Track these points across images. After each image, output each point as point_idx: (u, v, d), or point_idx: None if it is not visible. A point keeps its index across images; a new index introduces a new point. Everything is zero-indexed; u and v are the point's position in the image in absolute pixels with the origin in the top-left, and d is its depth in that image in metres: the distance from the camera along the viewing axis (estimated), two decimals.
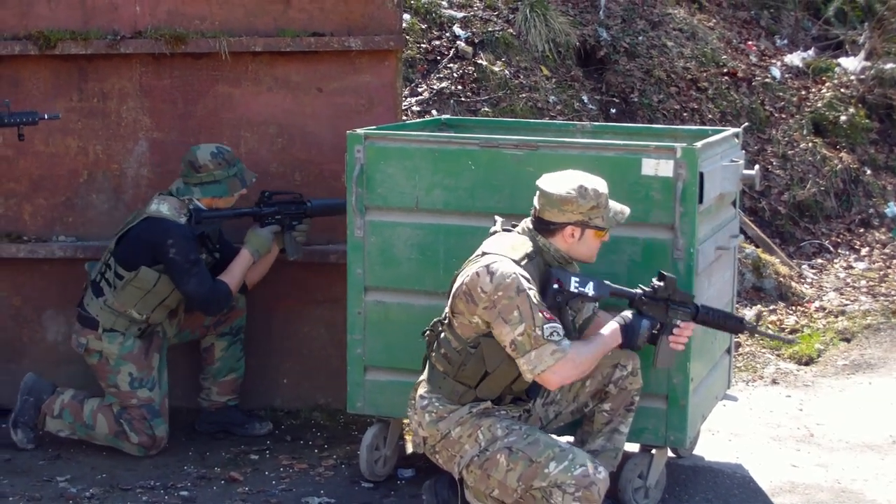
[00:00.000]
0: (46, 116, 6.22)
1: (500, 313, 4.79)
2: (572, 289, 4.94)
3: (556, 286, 4.90)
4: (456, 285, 4.96)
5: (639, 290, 5.12)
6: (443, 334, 5.05)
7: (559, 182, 4.96)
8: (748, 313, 9.12)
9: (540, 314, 4.80)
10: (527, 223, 5.05)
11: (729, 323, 5.36)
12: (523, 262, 4.87)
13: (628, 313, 5.11)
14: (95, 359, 6.25)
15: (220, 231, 6.42)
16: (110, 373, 6.23)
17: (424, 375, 5.14)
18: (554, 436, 5.10)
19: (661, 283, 5.09)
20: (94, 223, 6.80)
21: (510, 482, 4.88)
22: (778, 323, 9.02)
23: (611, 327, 5.08)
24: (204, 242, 6.28)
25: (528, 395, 5.14)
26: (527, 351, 4.81)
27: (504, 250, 4.91)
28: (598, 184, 4.98)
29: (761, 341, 8.52)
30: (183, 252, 6.08)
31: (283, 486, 5.91)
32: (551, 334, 4.81)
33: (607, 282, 5.06)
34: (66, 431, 6.31)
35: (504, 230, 5.07)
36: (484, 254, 4.95)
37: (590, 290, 4.98)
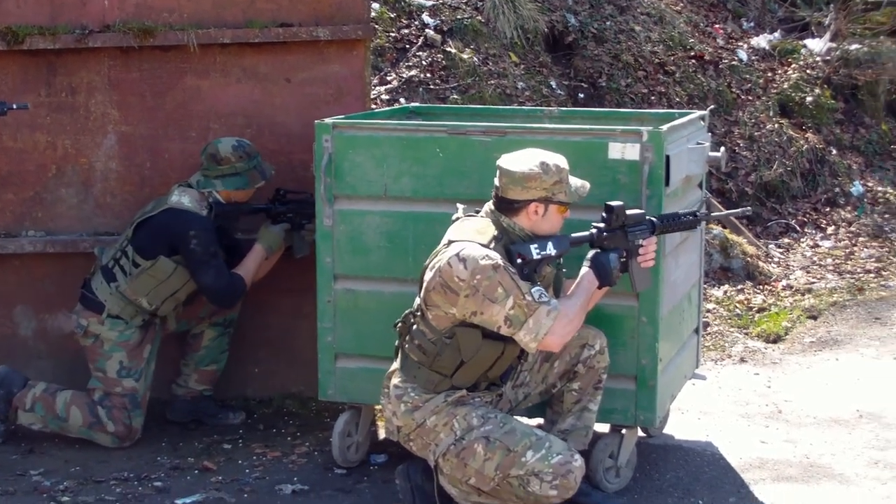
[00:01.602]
0: (15, 106, 6.24)
1: (484, 296, 4.80)
2: (535, 256, 4.93)
3: (519, 261, 4.90)
4: (428, 278, 4.95)
5: (594, 230, 5.13)
6: (415, 326, 5.06)
7: (520, 160, 4.97)
8: (716, 293, 9.20)
9: (522, 282, 4.83)
10: (489, 205, 5.07)
11: (685, 222, 5.35)
12: (491, 245, 4.89)
13: (591, 253, 5.12)
14: (90, 341, 6.27)
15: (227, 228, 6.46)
16: (102, 357, 6.25)
17: (397, 364, 5.16)
18: (525, 419, 5.15)
19: (612, 214, 5.10)
20: (64, 217, 6.81)
21: (487, 471, 4.92)
22: (746, 302, 9.10)
23: (583, 273, 5.08)
24: (220, 237, 6.31)
25: (502, 379, 5.18)
26: (523, 321, 4.83)
27: (470, 235, 4.93)
28: (559, 159, 5.00)
29: (729, 320, 8.62)
30: (204, 244, 6.11)
31: (257, 474, 5.95)
32: (540, 296, 4.84)
33: (563, 235, 5.07)
34: (38, 425, 6.32)
35: (467, 216, 5.10)
36: (450, 242, 4.96)
37: (551, 249, 4.97)
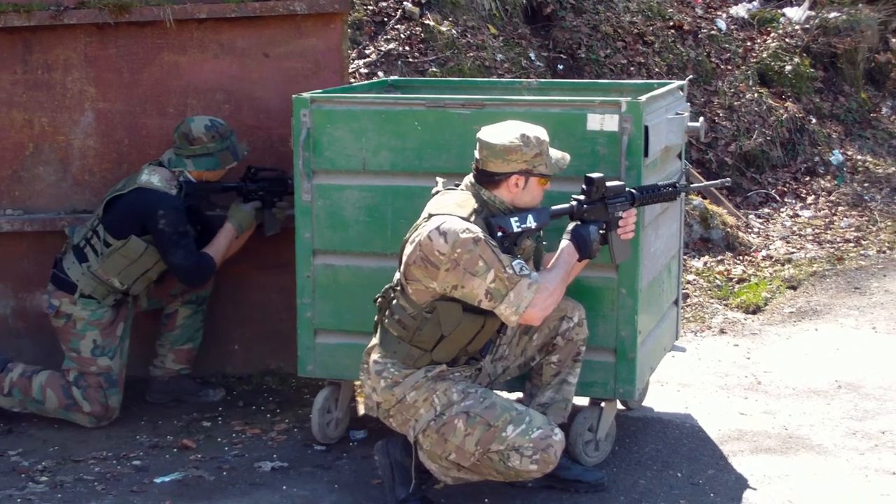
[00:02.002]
0: None
1: (465, 269, 4.79)
2: (515, 229, 4.92)
3: (499, 234, 4.89)
4: (407, 252, 4.93)
5: (574, 202, 5.12)
6: (395, 301, 5.05)
7: (501, 132, 4.96)
8: (696, 264, 9.21)
9: (504, 255, 4.83)
10: (469, 178, 5.06)
11: (665, 193, 5.36)
12: (472, 219, 4.87)
13: (571, 225, 5.12)
14: (62, 321, 6.26)
15: (200, 207, 6.45)
16: (75, 337, 6.24)
17: (377, 340, 5.15)
18: (505, 394, 5.14)
19: (592, 186, 5.10)
20: (42, 196, 6.80)
21: (468, 446, 4.92)
22: (725, 273, 9.12)
23: (563, 246, 5.08)
24: (191, 215, 6.30)
25: (481, 353, 5.18)
26: (504, 295, 4.82)
27: (450, 209, 4.91)
28: (539, 131, 4.99)
29: (709, 292, 8.64)
30: (173, 224, 6.10)
31: (236, 451, 5.95)
32: (521, 269, 4.83)
33: (543, 208, 5.06)
34: (17, 408, 6.31)
35: (447, 189, 5.09)
36: (430, 216, 4.94)
37: (531, 222, 4.96)
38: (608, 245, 5.17)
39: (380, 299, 5.15)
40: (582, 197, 5.10)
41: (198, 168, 6.27)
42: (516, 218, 4.94)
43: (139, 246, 6.15)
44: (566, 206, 5.12)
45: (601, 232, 5.13)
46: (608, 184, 5.12)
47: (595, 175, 5.09)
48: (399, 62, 9.50)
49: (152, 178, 6.19)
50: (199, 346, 6.68)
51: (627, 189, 5.20)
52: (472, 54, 9.98)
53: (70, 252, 6.28)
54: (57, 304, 6.25)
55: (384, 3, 10.03)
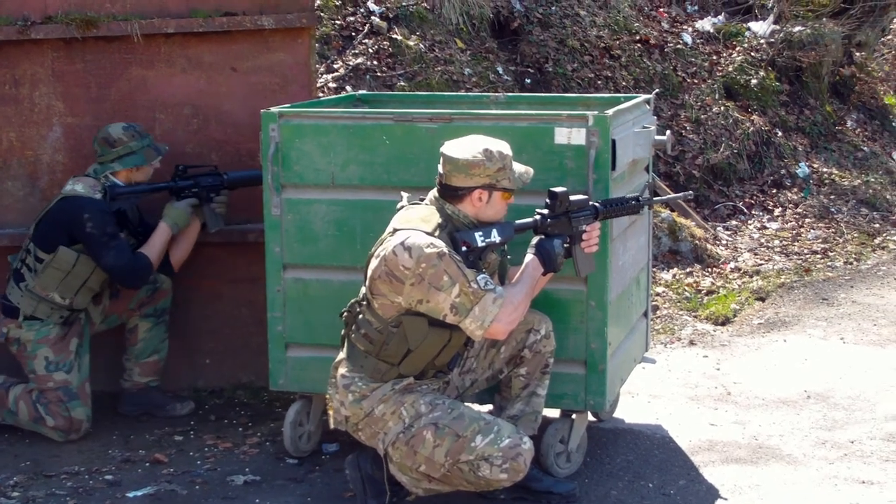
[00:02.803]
0: None
1: (430, 284, 4.80)
2: (480, 244, 4.94)
3: (464, 248, 4.91)
4: (372, 266, 4.95)
5: (538, 216, 5.14)
6: (361, 315, 5.06)
7: (464, 147, 4.98)
8: (665, 276, 9.25)
9: (468, 270, 4.84)
10: (433, 193, 5.07)
11: (628, 206, 5.39)
12: (436, 233, 4.88)
13: (536, 239, 5.14)
14: (14, 347, 6.27)
15: (139, 212, 6.43)
16: (28, 359, 6.24)
17: (344, 354, 5.15)
18: (475, 406, 5.16)
19: (556, 200, 5.12)
20: (10, 210, 6.78)
21: (437, 457, 4.92)
22: (695, 285, 9.15)
23: (527, 260, 5.10)
24: (122, 220, 6.29)
25: (449, 367, 5.19)
26: (469, 309, 4.83)
27: (415, 223, 4.92)
28: (502, 146, 5.01)
29: (678, 304, 8.67)
30: (99, 226, 6.09)
31: (208, 465, 5.94)
32: (486, 284, 4.85)
33: (508, 222, 5.08)
34: None
35: (412, 204, 5.10)
36: (395, 230, 4.95)
37: (495, 236, 4.99)
38: (572, 258, 5.20)
39: (346, 314, 5.15)
40: (546, 211, 5.12)
41: (125, 166, 6.28)
42: (480, 232, 4.96)
43: (70, 256, 6.15)
44: (530, 220, 5.14)
45: (565, 245, 5.15)
46: (572, 198, 5.14)
47: (558, 189, 5.11)
48: (367, 76, 9.51)
49: (76, 186, 6.21)
50: (165, 358, 6.66)
51: (591, 203, 5.22)
52: (439, 68, 10.00)
53: (11, 278, 6.29)
54: (6, 330, 6.27)
55: (352, 18, 10.04)
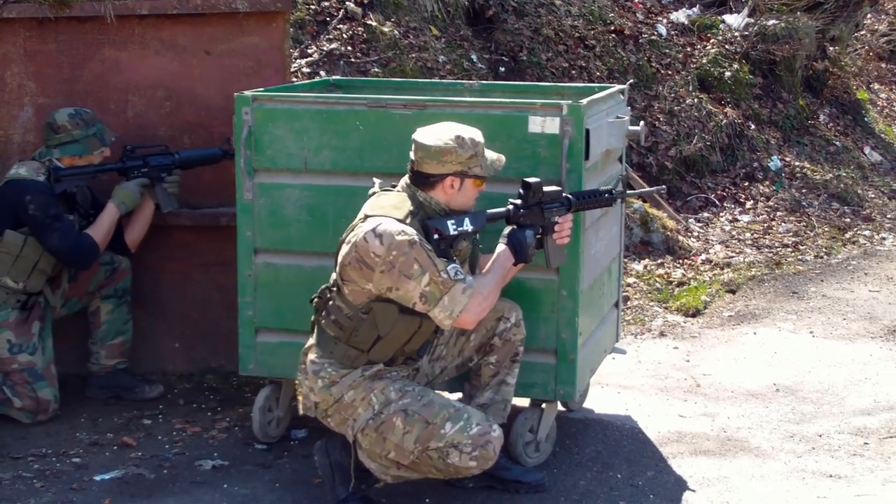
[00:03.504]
0: None
1: (400, 272, 4.79)
2: (452, 232, 4.94)
3: (436, 236, 4.91)
4: (343, 252, 4.93)
5: (511, 206, 5.14)
6: (332, 301, 5.04)
7: (436, 133, 4.97)
8: (637, 267, 9.26)
9: (438, 259, 4.83)
10: (405, 179, 5.06)
11: (601, 199, 5.39)
12: (408, 220, 4.87)
13: (508, 229, 5.14)
14: None
15: (92, 195, 6.40)
16: None
17: (314, 340, 5.13)
18: (446, 394, 5.15)
19: (529, 191, 5.12)
20: None
21: (407, 444, 4.91)
22: (665, 276, 9.17)
23: (499, 250, 5.10)
24: (70, 202, 6.26)
25: (419, 354, 5.18)
26: (438, 298, 4.82)
27: (386, 210, 4.91)
28: (474, 133, 5.00)
29: (649, 294, 8.68)
30: (42, 207, 6.07)
31: (177, 449, 5.92)
32: (456, 273, 4.83)
33: (479, 211, 5.08)
34: None
35: (384, 190, 5.09)
36: (367, 216, 4.94)
37: (468, 225, 4.98)
38: (544, 250, 5.19)
39: (316, 300, 5.14)
40: (518, 201, 5.12)
41: (64, 154, 6.25)
42: (453, 221, 4.95)
43: (17, 239, 6.13)
44: (502, 209, 5.13)
45: (537, 236, 5.15)
46: (545, 189, 5.13)
47: (532, 179, 5.10)
48: (341, 62, 9.48)
49: (20, 170, 6.19)
50: (131, 338, 6.63)
51: (564, 194, 5.22)
52: (414, 55, 9.98)
53: None
54: None
55: (326, 3, 10.00)
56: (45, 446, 5.95)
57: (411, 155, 5.00)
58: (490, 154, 5.04)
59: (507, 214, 5.12)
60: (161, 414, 6.39)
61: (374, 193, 5.09)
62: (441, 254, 4.89)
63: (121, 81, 6.72)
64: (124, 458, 5.81)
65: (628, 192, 5.82)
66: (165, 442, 6.02)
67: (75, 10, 6.59)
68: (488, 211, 5.09)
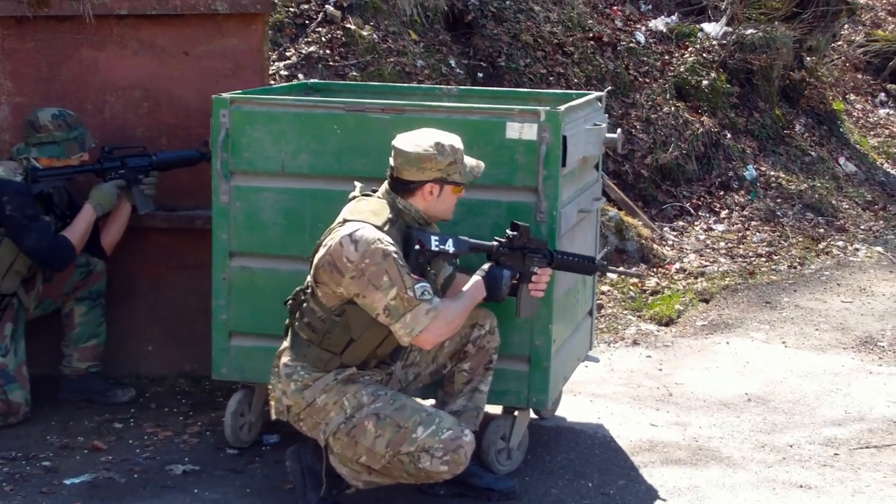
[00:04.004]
0: None
1: (369, 280, 4.80)
2: (433, 248, 4.98)
3: (417, 247, 4.94)
4: (319, 255, 4.94)
5: (495, 242, 5.18)
6: (306, 304, 5.05)
7: (416, 140, 4.98)
8: (611, 275, 9.27)
9: (408, 276, 4.83)
10: (385, 186, 5.07)
11: (582, 264, 5.44)
12: (386, 228, 4.89)
13: (488, 265, 5.17)
14: None
15: (69, 196, 6.38)
16: None
17: (287, 343, 5.14)
18: (419, 400, 5.16)
19: (516, 233, 5.15)
20: None
21: (378, 448, 4.92)
22: (639, 284, 9.18)
23: (473, 281, 5.13)
24: (46, 202, 6.24)
25: (392, 358, 5.18)
26: (401, 314, 4.83)
27: (365, 216, 4.92)
28: (454, 140, 5.02)
29: (623, 303, 8.70)
30: (19, 208, 6.04)
31: (148, 453, 5.89)
32: (423, 294, 4.84)
33: (465, 237, 5.12)
34: None
35: (364, 195, 5.09)
36: (345, 221, 4.95)
37: (450, 246, 5.02)
38: (516, 297, 5.24)
39: (290, 301, 5.15)
40: (504, 240, 5.15)
41: (42, 155, 6.23)
42: (437, 238, 5.00)
43: None
44: (487, 243, 5.18)
45: (514, 281, 5.19)
46: (532, 236, 5.19)
47: (522, 224, 5.17)
48: (319, 65, 9.47)
49: None
50: (104, 341, 6.59)
51: (549, 248, 5.25)
52: (392, 59, 9.97)
53: None
54: None
55: (306, 6, 9.99)
56: (14, 449, 5.91)
57: (391, 161, 5.01)
58: (469, 161, 5.06)
59: (489, 249, 5.18)
60: (132, 418, 6.36)
61: (354, 197, 5.09)
62: (418, 266, 4.92)
63: (99, 81, 6.70)
64: (95, 462, 5.78)
65: (610, 267, 5.83)
66: (136, 446, 5.99)
67: (54, 9, 6.57)
68: (472, 240, 5.14)
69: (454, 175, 5.00)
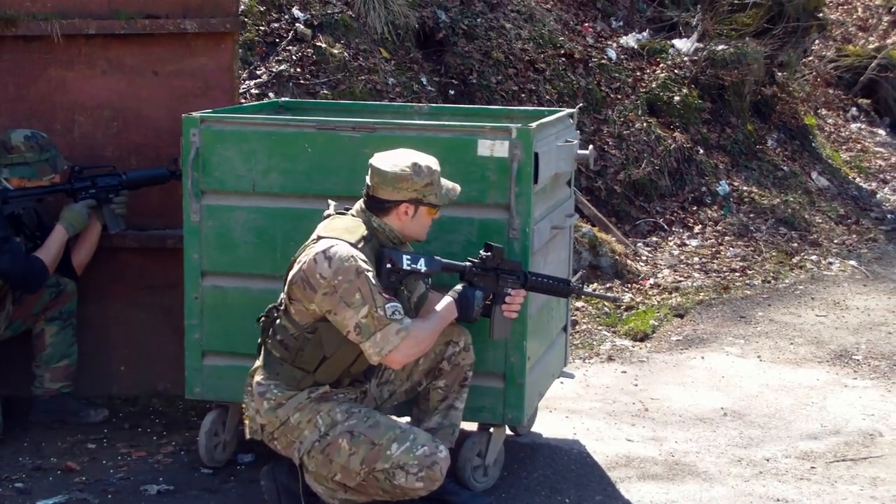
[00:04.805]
0: None
1: (341, 298, 4.79)
2: (405, 266, 4.97)
3: (388, 265, 4.93)
4: (293, 272, 4.93)
5: (468, 263, 5.17)
6: (278, 321, 5.04)
7: (393, 160, 4.98)
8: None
9: (380, 295, 4.83)
10: (360, 204, 5.06)
11: (557, 287, 5.44)
12: (360, 245, 4.89)
13: (460, 286, 5.17)
14: None
15: (38, 216, 6.34)
16: None
17: (260, 362, 5.13)
18: (394, 417, 5.14)
19: (489, 254, 5.15)
20: None
21: (353, 466, 4.90)
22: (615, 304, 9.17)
23: (445, 302, 5.13)
24: (16, 223, 6.21)
25: (366, 376, 5.17)
26: (371, 333, 4.83)
27: (340, 233, 4.92)
28: (431, 161, 5.03)
29: (598, 319, 8.69)
30: None
31: (121, 474, 5.85)
32: (393, 313, 4.84)
33: (438, 257, 5.11)
34: None
35: (338, 213, 5.08)
36: (319, 238, 4.95)
37: (422, 266, 5.02)
38: (489, 318, 5.22)
39: (263, 319, 5.13)
40: (477, 261, 5.14)
41: (13, 175, 6.21)
42: (409, 257, 5.00)
43: None
44: (460, 263, 5.18)
45: (486, 302, 5.19)
46: (506, 257, 5.17)
47: (496, 245, 5.16)
48: (290, 84, 9.45)
49: None
50: (75, 361, 6.54)
51: (522, 270, 5.24)
52: (363, 77, 9.97)
53: None
54: None
55: (276, 24, 9.98)
56: None
57: (367, 180, 5.02)
58: (446, 183, 5.07)
59: (462, 269, 5.17)
60: (106, 438, 6.31)
61: (328, 216, 5.08)
62: (389, 285, 4.91)
63: (67, 101, 6.66)
64: (68, 484, 5.73)
65: (585, 290, 5.81)
66: (110, 466, 5.95)
67: (21, 28, 6.53)
68: (444, 260, 5.13)
69: (430, 196, 5.00)
